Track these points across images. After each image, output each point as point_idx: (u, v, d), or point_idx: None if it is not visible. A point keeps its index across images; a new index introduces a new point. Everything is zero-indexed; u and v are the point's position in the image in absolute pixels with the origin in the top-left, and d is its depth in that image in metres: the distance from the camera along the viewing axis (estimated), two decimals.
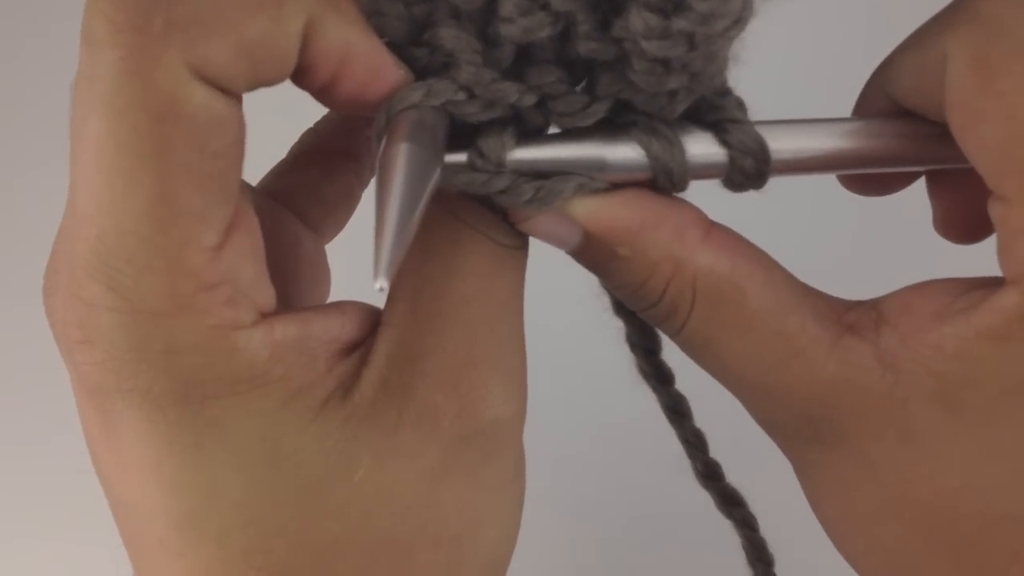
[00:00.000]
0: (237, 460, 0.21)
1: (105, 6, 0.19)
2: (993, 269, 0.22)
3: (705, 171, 0.24)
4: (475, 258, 0.23)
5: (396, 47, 0.22)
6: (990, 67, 0.21)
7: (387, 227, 0.19)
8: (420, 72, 0.22)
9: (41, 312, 0.22)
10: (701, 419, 0.30)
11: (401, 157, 0.20)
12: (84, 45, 0.19)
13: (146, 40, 0.19)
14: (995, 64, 0.21)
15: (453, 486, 0.23)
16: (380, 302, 0.24)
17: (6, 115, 0.64)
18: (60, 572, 0.55)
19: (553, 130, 0.24)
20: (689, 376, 0.28)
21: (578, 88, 0.23)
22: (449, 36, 0.21)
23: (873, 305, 0.24)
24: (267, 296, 0.22)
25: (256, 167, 0.25)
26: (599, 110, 0.23)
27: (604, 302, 0.28)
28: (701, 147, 0.24)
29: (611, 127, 0.23)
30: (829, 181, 0.28)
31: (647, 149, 0.23)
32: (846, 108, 0.27)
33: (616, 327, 0.29)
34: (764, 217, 0.32)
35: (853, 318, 0.24)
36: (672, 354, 0.28)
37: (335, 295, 0.28)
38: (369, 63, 0.21)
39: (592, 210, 0.23)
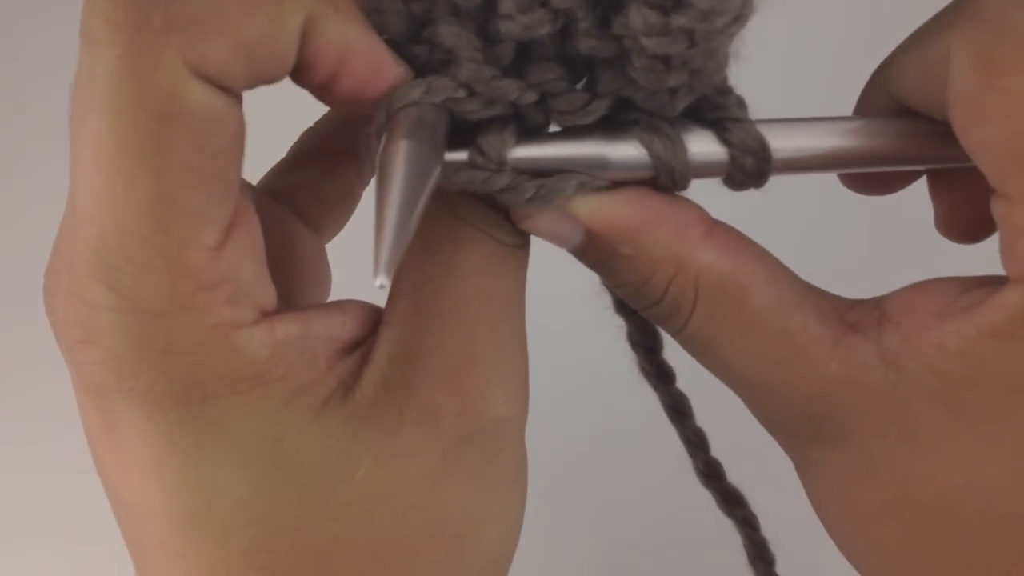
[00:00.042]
0: (238, 459, 0.21)
1: (104, 4, 0.19)
2: (994, 269, 0.22)
3: (706, 169, 0.24)
4: (476, 257, 0.23)
5: (395, 44, 0.22)
6: (993, 64, 0.21)
7: (387, 224, 0.19)
8: (420, 70, 0.22)
9: (41, 312, 0.22)
10: (702, 418, 0.30)
11: (401, 154, 0.20)
12: (83, 44, 0.19)
13: (145, 38, 0.18)
14: (998, 61, 0.21)
15: (454, 485, 0.23)
16: (381, 301, 0.24)
17: (6, 115, 0.64)
18: (60, 572, 0.55)
19: (554, 128, 0.24)
20: (690, 375, 0.28)
21: (578, 86, 0.23)
22: (449, 33, 0.21)
23: (875, 303, 0.24)
24: (268, 295, 0.22)
25: (256, 166, 0.25)
26: (599, 108, 0.23)
27: (605, 300, 0.28)
28: (702, 145, 0.24)
29: (612, 125, 0.23)
30: (830, 180, 0.28)
31: (649, 147, 0.23)
32: (847, 107, 0.27)
33: (617, 325, 0.29)
34: (765, 216, 0.32)
35: (855, 316, 0.23)
36: (673, 353, 0.28)
37: (336, 294, 0.28)
38: (368, 60, 0.21)
39: (594, 208, 0.23)
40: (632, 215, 0.23)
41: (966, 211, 0.27)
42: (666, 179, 0.23)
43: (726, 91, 0.24)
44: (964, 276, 0.23)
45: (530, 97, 0.22)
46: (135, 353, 0.20)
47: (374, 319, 0.24)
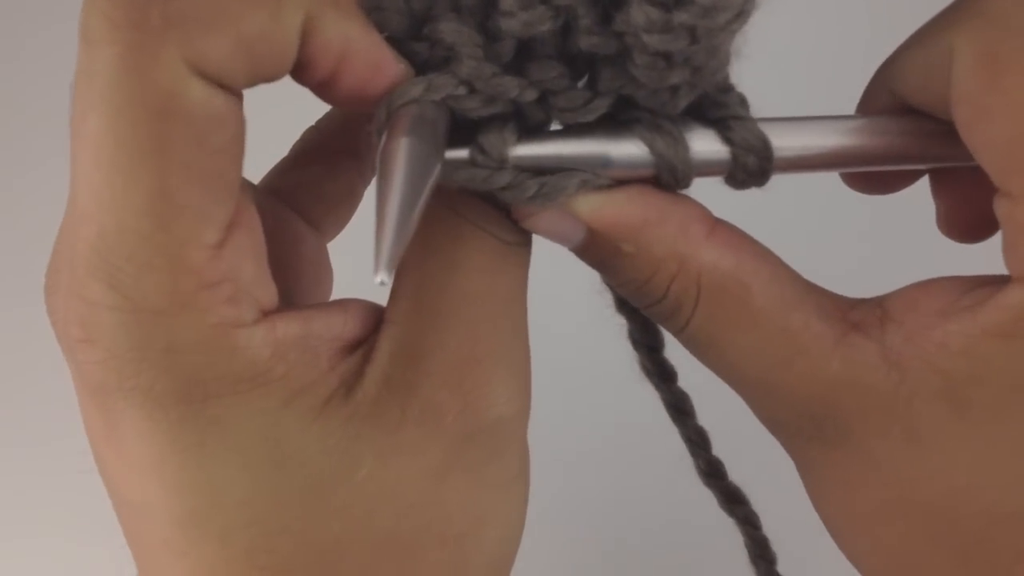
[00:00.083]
0: (239, 459, 0.21)
1: (103, 3, 0.19)
2: (996, 268, 0.22)
3: (708, 168, 0.24)
4: (478, 255, 0.23)
5: (396, 42, 0.22)
6: (998, 63, 0.21)
7: (387, 221, 0.19)
8: (420, 67, 0.22)
9: (42, 311, 0.22)
10: (703, 417, 0.30)
11: (401, 151, 0.20)
12: (82, 42, 0.19)
13: (144, 36, 0.18)
14: (1003, 60, 0.21)
15: (457, 484, 0.23)
16: (383, 300, 0.24)
17: (6, 115, 0.64)
18: (60, 572, 0.54)
19: (555, 126, 0.24)
20: (692, 374, 0.28)
21: (580, 84, 0.23)
22: (449, 30, 0.21)
23: (878, 303, 0.24)
24: (269, 294, 0.22)
25: (258, 165, 0.25)
26: (601, 106, 0.23)
27: (606, 299, 0.28)
28: (704, 144, 0.24)
29: (614, 123, 0.23)
30: (832, 179, 0.28)
31: (651, 146, 0.23)
32: (850, 105, 0.27)
33: (618, 324, 0.29)
34: (767, 215, 0.32)
35: (858, 316, 0.23)
36: (674, 352, 0.28)
37: (337, 293, 0.28)
38: (369, 58, 0.21)
39: (596, 207, 0.23)
40: (634, 213, 0.23)
41: (968, 210, 0.27)
42: (668, 177, 0.23)
43: (728, 89, 0.24)
44: (967, 275, 0.23)
45: (531, 95, 0.22)
46: (136, 352, 0.20)
47: (376, 318, 0.24)
